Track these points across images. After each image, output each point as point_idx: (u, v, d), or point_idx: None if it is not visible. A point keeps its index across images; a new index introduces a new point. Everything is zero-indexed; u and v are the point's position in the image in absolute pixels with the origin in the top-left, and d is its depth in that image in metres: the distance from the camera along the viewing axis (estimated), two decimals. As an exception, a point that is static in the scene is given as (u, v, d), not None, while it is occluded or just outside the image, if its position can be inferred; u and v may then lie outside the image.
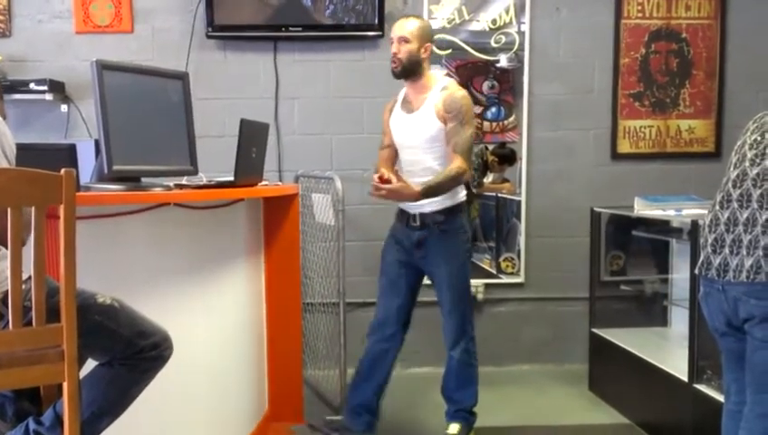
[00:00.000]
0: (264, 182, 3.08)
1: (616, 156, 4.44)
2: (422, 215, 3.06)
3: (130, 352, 1.85)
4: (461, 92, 3.01)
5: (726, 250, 2.19)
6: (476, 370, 3.23)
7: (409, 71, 3.00)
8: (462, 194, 3.13)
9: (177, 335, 1.98)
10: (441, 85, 3.04)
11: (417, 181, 2.95)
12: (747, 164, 2.23)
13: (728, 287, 2.18)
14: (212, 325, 2.81)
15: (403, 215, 3.15)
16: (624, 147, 4.45)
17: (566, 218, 4.35)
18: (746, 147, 2.28)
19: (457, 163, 2.93)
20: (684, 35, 4.42)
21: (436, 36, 4.29)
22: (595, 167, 4.43)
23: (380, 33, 4.18)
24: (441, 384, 3.24)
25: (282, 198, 3.35)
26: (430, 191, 2.90)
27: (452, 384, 3.20)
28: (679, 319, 3.71)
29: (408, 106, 3.11)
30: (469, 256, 3.19)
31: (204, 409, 2.78)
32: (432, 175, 2.96)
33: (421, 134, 3.03)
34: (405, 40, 2.98)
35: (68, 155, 2.58)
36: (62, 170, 1.66)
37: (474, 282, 4.37)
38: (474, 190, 4.50)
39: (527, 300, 4.44)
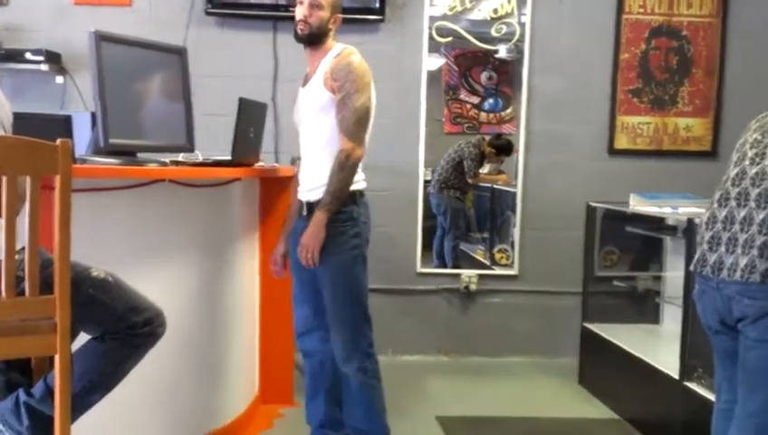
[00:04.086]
0: (260, 163, 3.05)
1: (613, 151, 4.43)
2: (309, 203, 2.64)
3: (123, 327, 1.84)
4: (354, 57, 2.59)
5: (722, 248, 2.18)
6: (380, 392, 2.72)
7: (315, 38, 2.61)
8: (356, 179, 2.64)
9: (169, 312, 1.96)
10: (336, 51, 2.64)
11: (310, 166, 2.65)
12: (747, 163, 2.22)
13: (723, 286, 2.17)
14: (204, 304, 2.79)
15: (299, 205, 2.74)
16: (621, 142, 4.44)
17: (561, 212, 4.34)
18: (747, 145, 2.27)
19: (341, 146, 2.54)
20: (684, 33, 4.41)
21: (438, 23, 4.29)
22: (591, 161, 4.41)
23: (381, 17, 4.14)
24: (345, 415, 2.75)
25: (278, 179, 3.32)
26: (332, 201, 2.53)
27: (357, 413, 2.70)
28: (671, 316, 3.71)
29: (305, 79, 2.75)
30: (360, 255, 2.63)
31: (195, 387, 2.77)
32: (325, 158, 2.58)
33: (311, 106, 2.63)
34: (318, 5, 2.59)
35: (63, 126, 2.54)
36: (59, 140, 1.63)
37: (467, 272, 4.42)
38: (469, 181, 4.50)
39: (520, 292, 4.43)
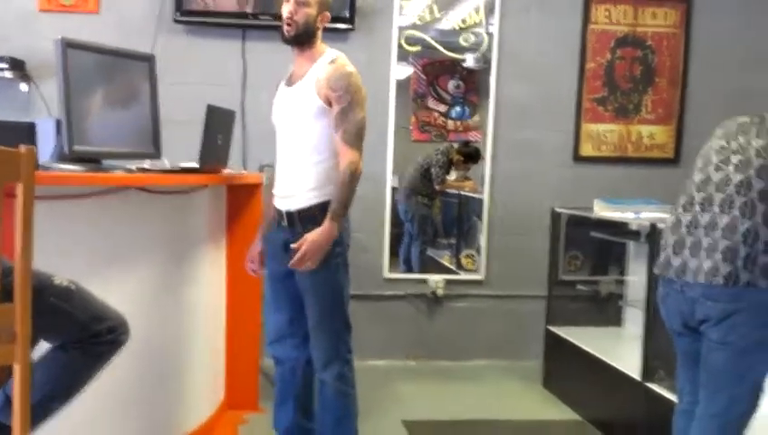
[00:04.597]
0: (228, 170, 3.06)
1: (578, 158, 4.50)
2: (289, 214, 2.59)
3: (85, 336, 1.82)
4: (350, 68, 2.56)
5: (687, 252, 2.23)
6: (354, 400, 2.73)
7: (302, 37, 2.55)
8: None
9: (134, 320, 1.96)
10: (329, 57, 2.57)
11: (290, 172, 2.61)
12: (711, 169, 2.27)
13: (686, 288, 2.22)
14: (168, 312, 2.79)
15: (276, 213, 2.69)
16: (586, 150, 4.51)
17: (527, 218, 4.40)
18: (712, 152, 2.32)
19: (348, 159, 2.50)
20: (649, 43, 4.50)
21: (407, 33, 4.33)
22: (557, 168, 4.48)
23: (351, 26, 4.17)
24: (317, 422, 2.76)
25: (246, 187, 3.33)
26: (340, 211, 2.51)
27: (328, 420, 2.70)
28: (633, 319, 3.78)
29: (290, 79, 2.67)
30: (343, 262, 2.63)
31: (157, 395, 2.76)
32: (310, 166, 2.55)
33: (298, 110, 2.57)
34: (304, 2, 2.53)
35: (27, 133, 2.53)
36: (22, 147, 1.62)
37: (434, 278, 4.46)
38: (437, 187, 4.54)
39: (486, 297, 4.48)
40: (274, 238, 2.66)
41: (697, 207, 2.25)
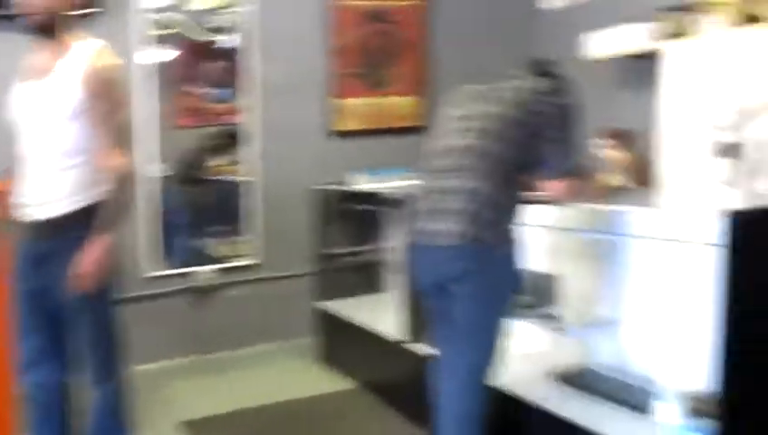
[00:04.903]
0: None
1: (338, 133, 4.61)
2: (42, 223, 2.35)
3: None
4: (114, 61, 2.38)
5: (436, 217, 2.37)
6: (128, 414, 2.60)
7: (48, 26, 2.30)
8: (104, 189, 2.36)
9: None
10: (89, 47, 2.34)
11: (40, 178, 2.36)
12: (455, 137, 2.42)
13: (434, 251, 2.37)
14: None
15: (24, 222, 2.42)
16: (344, 124, 4.62)
17: (294, 196, 4.43)
18: (449, 119, 2.48)
19: (117, 161, 2.32)
20: (396, 17, 4.67)
21: (162, 15, 4.13)
22: (319, 144, 4.56)
23: (100, 9, 3.86)
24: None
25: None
26: (113, 218, 2.33)
27: None
28: (396, 285, 3.97)
29: (36, 73, 2.36)
30: (113, 272, 2.43)
31: None
32: (68, 169, 2.33)
33: (51, 108, 2.30)
34: None
35: None
36: None
37: (205, 269, 4.34)
38: (202, 175, 4.40)
39: (258, 281, 4.46)
40: (26, 252, 2.45)
41: (444, 174, 2.40)
